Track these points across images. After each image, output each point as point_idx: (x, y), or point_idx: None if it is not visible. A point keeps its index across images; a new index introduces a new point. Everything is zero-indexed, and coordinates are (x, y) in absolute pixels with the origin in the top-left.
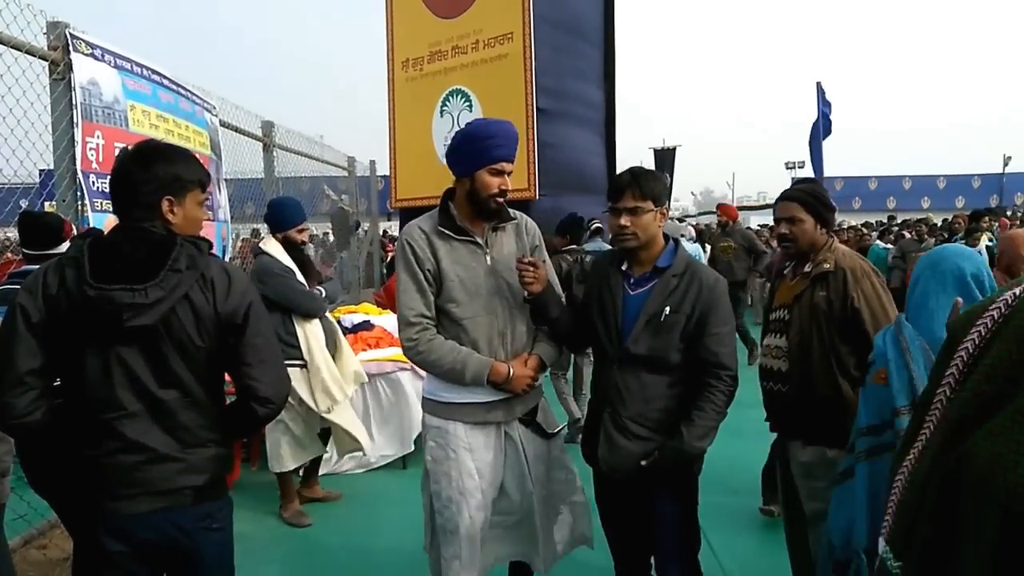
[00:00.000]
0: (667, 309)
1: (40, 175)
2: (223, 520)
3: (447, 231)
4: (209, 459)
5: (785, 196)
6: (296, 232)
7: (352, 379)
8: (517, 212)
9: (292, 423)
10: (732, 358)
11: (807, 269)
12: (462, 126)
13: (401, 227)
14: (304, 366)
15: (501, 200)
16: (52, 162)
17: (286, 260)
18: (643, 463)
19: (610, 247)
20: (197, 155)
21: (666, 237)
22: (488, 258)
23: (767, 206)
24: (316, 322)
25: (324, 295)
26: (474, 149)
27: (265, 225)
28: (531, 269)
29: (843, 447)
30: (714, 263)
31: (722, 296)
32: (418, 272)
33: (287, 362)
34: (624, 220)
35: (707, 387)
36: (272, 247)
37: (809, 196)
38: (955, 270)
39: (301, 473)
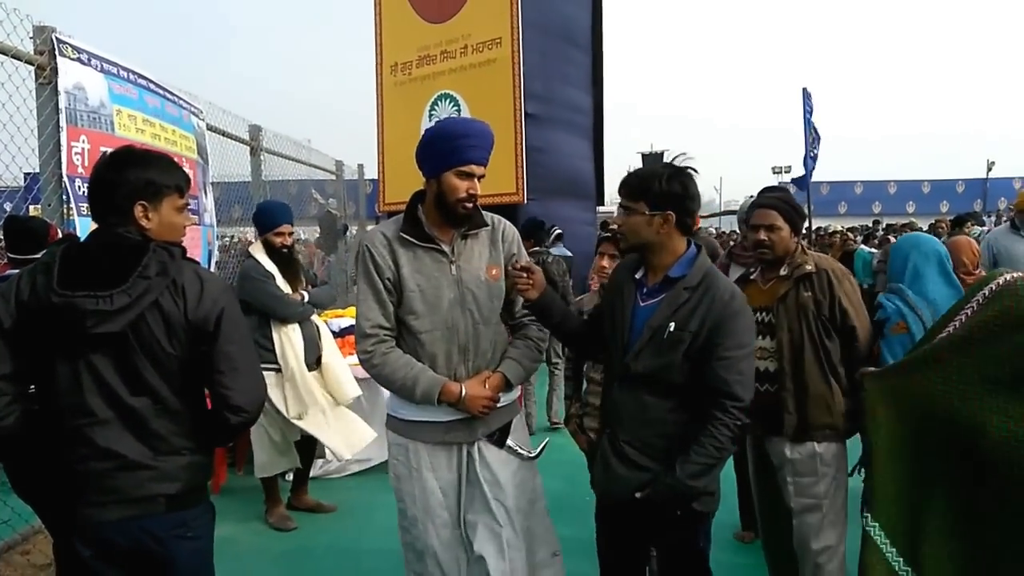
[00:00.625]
0: (672, 325)
1: (25, 179)
2: (199, 529)
3: (410, 237)
4: (183, 467)
5: (763, 204)
6: (274, 235)
7: (338, 391)
8: (494, 217)
9: (270, 428)
10: (745, 387)
11: (783, 272)
12: None
13: None
14: (279, 370)
15: (470, 205)
16: (38, 166)
17: (267, 264)
18: (637, 495)
19: (569, 253)
20: (184, 159)
21: (690, 243)
22: (454, 268)
23: None
24: (295, 327)
25: (307, 300)
26: (443, 148)
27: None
28: (524, 275)
29: (831, 441)
30: None
31: (738, 315)
32: (377, 281)
33: (262, 366)
34: (617, 218)
35: (710, 419)
36: (257, 250)
37: (786, 205)
38: (935, 252)
39: (288, 478)
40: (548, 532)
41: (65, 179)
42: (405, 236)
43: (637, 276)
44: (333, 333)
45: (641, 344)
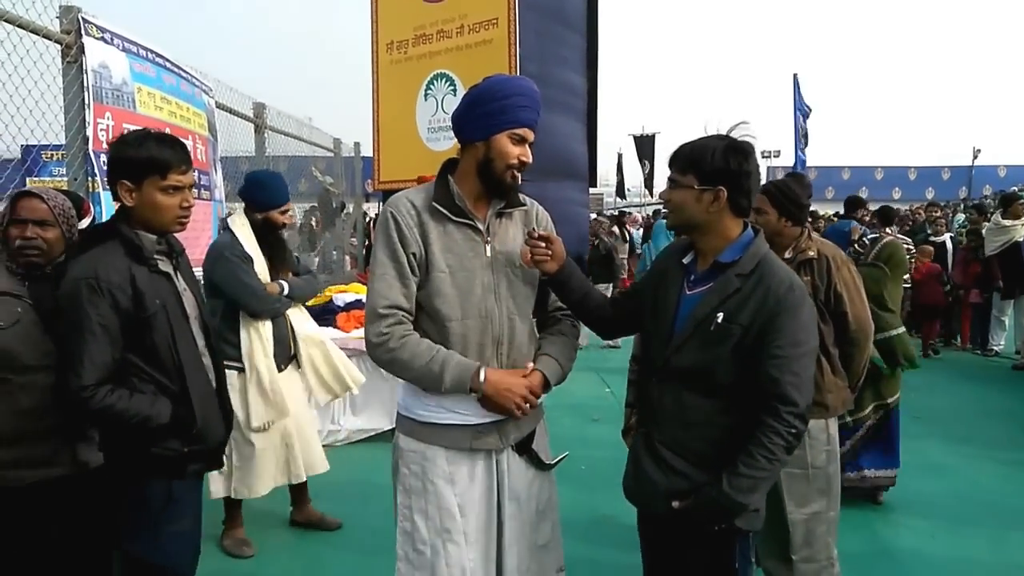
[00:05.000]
0: (720, 316)
1: (22, 151)
2: None
3: (442, 208)
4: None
5: None
6: (279, 213)
7: (343, 380)
8: (528, 199)
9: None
10: (801, 390)
11: (788, 256)
12: (447, 110)
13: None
14: (242, 370)
15: (518, 176)
16: (37, 138)
17: (249, 243)
18: (675, 505)
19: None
20: (196, 137)
21: (747, 226)
22: (488, 248)
23: None
24: (267, 323)
25: (286, 292)
26: (493, 108)
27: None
28: (542, 245)
29: (818, 417)
30: None
31: (794, 310)
32: (401, 254)
33: (225, 363)
34: (664, 192)
35: (761, 426)
36: (238, 225)
37: (776, 190)
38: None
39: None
40: (557, 547)
41: (91, 154)
42: (437, 206)
43: (685, 261)
44: (339, 307)
45: (684, 336)
